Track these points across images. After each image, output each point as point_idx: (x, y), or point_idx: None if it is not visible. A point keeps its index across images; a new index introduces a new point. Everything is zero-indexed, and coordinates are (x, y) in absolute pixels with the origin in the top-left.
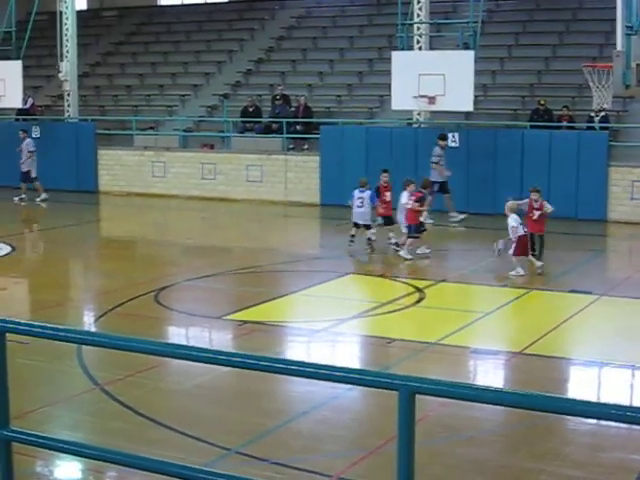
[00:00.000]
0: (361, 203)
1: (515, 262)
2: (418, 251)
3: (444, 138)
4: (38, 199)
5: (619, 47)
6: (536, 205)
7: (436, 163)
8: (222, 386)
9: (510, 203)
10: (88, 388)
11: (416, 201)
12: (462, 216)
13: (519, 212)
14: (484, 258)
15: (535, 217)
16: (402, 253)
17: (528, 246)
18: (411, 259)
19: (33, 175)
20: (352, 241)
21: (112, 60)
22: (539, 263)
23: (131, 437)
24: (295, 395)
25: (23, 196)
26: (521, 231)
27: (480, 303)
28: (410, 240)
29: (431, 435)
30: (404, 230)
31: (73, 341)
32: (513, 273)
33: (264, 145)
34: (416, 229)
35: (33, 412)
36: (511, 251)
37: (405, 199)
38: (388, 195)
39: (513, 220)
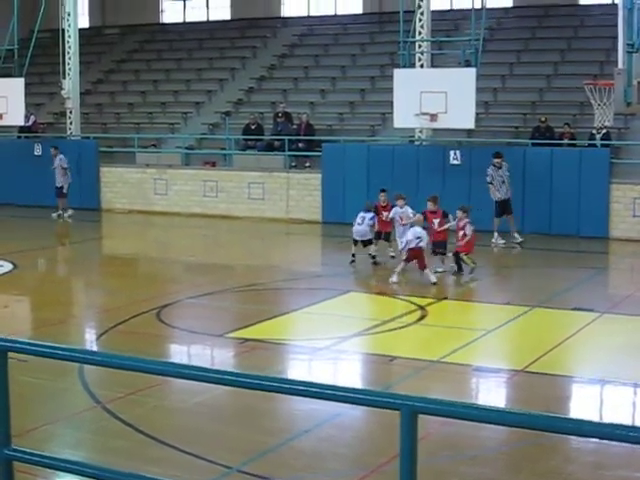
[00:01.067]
0: (361, 221)
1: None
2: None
3: (497, 156)
4: (54, 214)
5: (620, 65)
6: (461, 224)
7: (490, 183)
8: (224, 404)
9: (418, 217)
10: (89, 406)
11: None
12: (521, 239)
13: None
14: (486, 276)
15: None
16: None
17: (424, 260)
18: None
19: (64, 191)
20: (353, 260)
21: (114, 78)
22: (433, 278)
23: (132, 455)
24: (297, 413)
25: (60, 212)
26: (413, 244)
27: (482, 321)
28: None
29: (433, 453)
30: (401, 246)
31: (76, 360)
32: (393, 279)
33: (266, 163)
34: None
35: (34, 430)
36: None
37: (392, 214)
38: (385, 215)
39: (411, 232)
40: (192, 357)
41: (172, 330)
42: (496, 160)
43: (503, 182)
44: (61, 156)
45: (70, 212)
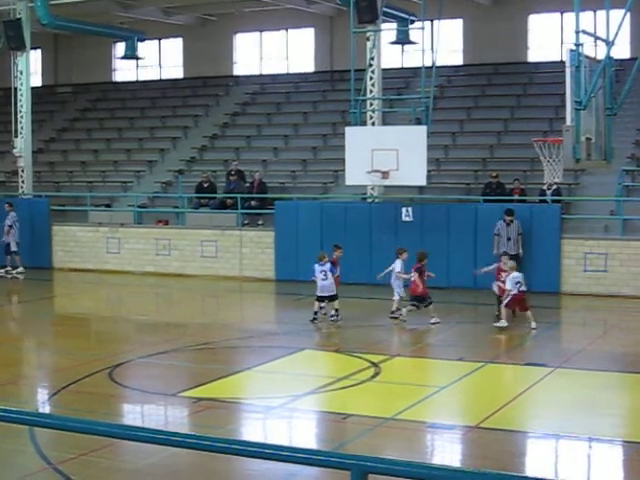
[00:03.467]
0: (324, 276)
1: (503, 313)
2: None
3: (507, 214)
4: (14, 272)
5: (568, 122)
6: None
7: (497, 235)
8: (177, 464)
9: (511, 263)
10: (41, 467)
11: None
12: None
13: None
14: (440, 332)
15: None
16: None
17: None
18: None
19: (12, 249)
20: (316, 318)
21: (67, 136)
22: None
23: None
24: (251, 473)
25: (8, 269)
26: (515, 290)
27: (436, 377)
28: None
29: None
30: (396, 297)
31: (26, 423)
32: (498, 324)
33: (219, 221)
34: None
35: None
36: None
37: (399, 267)
38: (338, 269)
39: (510, 280)
40: (145, 417)
41: (125, 390)
42: (507, 218)
43: (509, 239)
44: (11, 214)
45: (21, 269)
